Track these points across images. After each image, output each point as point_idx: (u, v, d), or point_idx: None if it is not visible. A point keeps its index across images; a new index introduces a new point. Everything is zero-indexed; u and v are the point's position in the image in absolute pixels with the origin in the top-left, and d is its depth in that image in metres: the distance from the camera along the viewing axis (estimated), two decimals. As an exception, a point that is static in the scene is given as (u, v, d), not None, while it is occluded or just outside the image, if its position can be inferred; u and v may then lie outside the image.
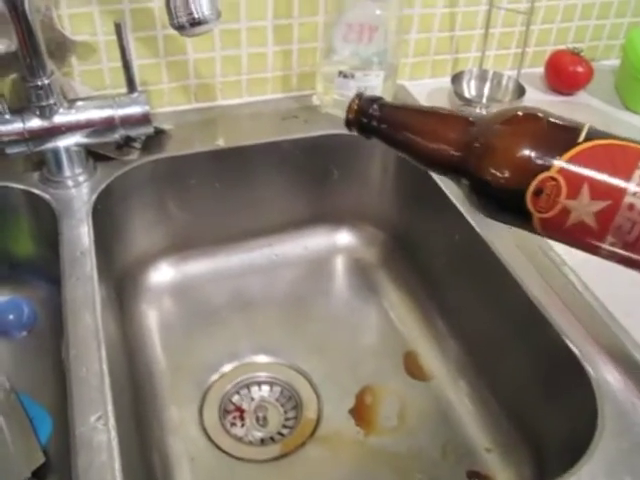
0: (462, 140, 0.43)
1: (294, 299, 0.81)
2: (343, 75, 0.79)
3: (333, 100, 0.81)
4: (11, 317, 0.72)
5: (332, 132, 0.79)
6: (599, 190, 0.37)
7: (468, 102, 0.84)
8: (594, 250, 0.40)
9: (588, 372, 0.53)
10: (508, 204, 0.41)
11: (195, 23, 0.57)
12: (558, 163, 0.38)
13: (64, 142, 0.67)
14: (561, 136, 0.40)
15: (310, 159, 0.80)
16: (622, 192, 0.37)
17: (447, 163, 0.44)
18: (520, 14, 0.88)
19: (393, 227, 0.86)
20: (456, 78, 0.87)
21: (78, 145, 0.68)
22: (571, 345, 0.55)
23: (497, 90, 0.89)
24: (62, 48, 0.72)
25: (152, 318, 0.77)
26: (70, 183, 0.69)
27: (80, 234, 0.63)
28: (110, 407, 0.47)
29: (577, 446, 0.49)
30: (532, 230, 0.42)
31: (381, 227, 0.87)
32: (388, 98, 0.83)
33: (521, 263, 0.62)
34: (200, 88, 0.83)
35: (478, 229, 0.66)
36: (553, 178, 0.38)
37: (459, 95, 0.85)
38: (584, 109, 0.88)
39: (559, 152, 0.39)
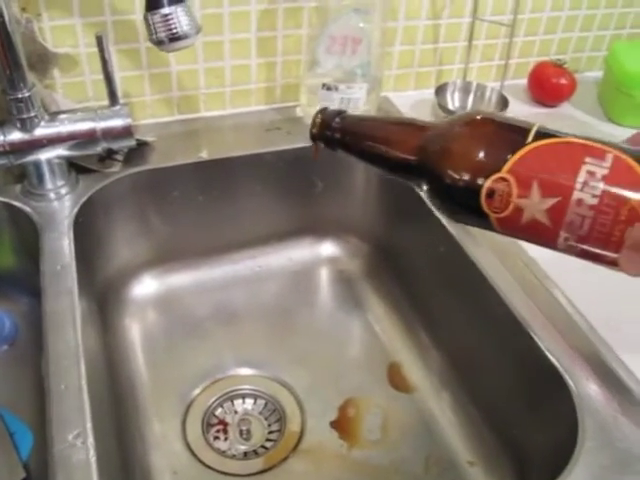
0: (418, 145, 0.45)
1: (278, 311, 0.81)
2: (327, 87, 0.79)
3: (317, 112, 0.81)
4: (-8, 330, 0.71)
5: (316, 144, 0.79)
6: (548, 188, 0.38)
7: (452, 114, 0.84)
8: (551, 245, 0.40)
9: (569, 386, 0.53)
10: (466, 206, 0.42)
11: (174, 38, 0.57)
12: (508, 164, 0.39)
13: (45, 155, 0.66)
14: (510, 137, 0.41)
15: (294, 171, 0.80)
16: (570, 188, 0.37)
17: (407, 168, 0.46)
18: (503, 26, 0.88)
19: (377, 239, 0.86)
20: (440, 90, 0.87)
21: (60, 158, 0.68)
22: (552, 359, 0.55)
23: (481, 102, 0.89)
24: (44, 60, 0.72)
25: (134, 331, 0.76)
26: (52, 196, 0.69)
27: (61, 247, 0.63)
28: (89, 424, 0.47)
29: (559, 460, 0.49)
30: (492, 229, 0.42)
31: (365, 239, 0.87)
32: (372, 110, 0.84)
33: (504, 277, 0.62)
34: (183, 100, 0.83)
35: (461, 242, 0.66)
36: (504, 179, 0.39)
37: (443, 107, 0.85)
38: (567, 120, 0.88)
39: (508, 153, 0.40)
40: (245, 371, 0.74)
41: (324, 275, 0.87)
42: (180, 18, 0.56)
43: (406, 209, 0.77)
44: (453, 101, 0.89)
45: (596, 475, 0.47)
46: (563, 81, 0.91)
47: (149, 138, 0.77)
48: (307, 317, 0.81)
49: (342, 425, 0.69)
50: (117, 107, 0.67)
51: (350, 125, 0.49)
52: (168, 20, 0.56)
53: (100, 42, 0.61)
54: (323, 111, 0.50)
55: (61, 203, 0.69)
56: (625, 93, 0.88)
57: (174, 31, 0.57)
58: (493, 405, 0.66)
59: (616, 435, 0.50)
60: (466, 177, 0.41)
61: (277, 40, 0.82)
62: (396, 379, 0.74)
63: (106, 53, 0.62)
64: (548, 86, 0.92)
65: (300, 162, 0.80)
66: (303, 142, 0.80)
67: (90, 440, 0.46)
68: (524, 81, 0.95)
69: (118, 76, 0.75)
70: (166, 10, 0.56)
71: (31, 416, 0.63)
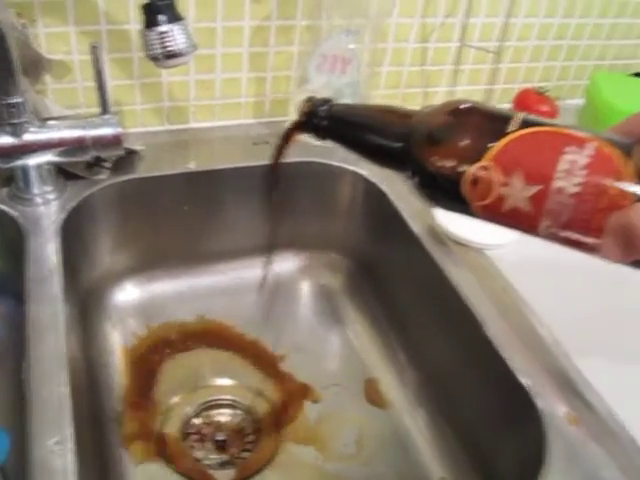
0: (403, 132, 0.45)
1: (258, 323, 0.81)
2: (316, 104, 0.80)
3: (305, 128, 0.83)
4: (-27, 333, 0.71)
5: (301, 159, 0.81)
6: (530, 176, 0.38)
7: (436, 135, 0.86)
8: (532, 233, 0.41)
9: (539, 407, 0.54)
10: (449, 193, 0.42)
11: (170, 56, 0.58)
12: (491, 152, 0.40)
13: (34, 160, 0.67)
14: (494, 126, 0.41)
15: (279, 185, 0.81)
16: (551, 177, 0.38)
17: (392, 156, 0.46)
18: (489, 53, 0.90)
19: (359, 255, 0.87)
20: (426, 111, 0.89)
21: (49, 164, 0.68)
22: (524, 380, 0.56)
23: (465, 125, 0.91)
24: (37, 66, 0.72)
25: (116, 338, 0.77)
26: (39, 200, 0.69)
27: (47, 252, 0.63)
28: (69, 430, 0.47)
29: (527, 478, 0.51)
30: (474, 216, 0.43)
31: (347, 254, 0.88)
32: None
33: (481, 300, 0.64)
34: (173, 110, 0.84)
35: (440, 263, 0.68)
36: (486, 167, 0.40)
37: (428, 128, 0.87)
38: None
39: (492, 141, 0.40)
40: (224, 381, 0.75)
41: (305, 289, 0.88)
42: (177, 36, 0.57)
43: (388, 228, 0.79)
44: (438, 123, 0.91)
45: (562, 496, 0.48)
46: (545, 108, 0.93)
47: (138, 147, 0.78)
48: (287, 330, 0.82)
49: (318, 438, 0.70)
50: (108, 116, 0.67)
51: (337, 113, 0.49)
52: (164, 38, 0.57)
53: (95, 52, 0.62)
54: (310, 99, 0.50)
55: (48, 208, 0.69)
56: (603, 122, 0.90)
57: (170, 49, 0.58)
58: (466, 423, 0.67)
59: (583, 456, 0.51)
60: (450, 164, 0.41)
61: (269, 56, 0.83)
62: (373, 395, 0.75)
63: (100, 63, 0.63)
64: (530, 113, 0.94)
65: (286, 177, 0.81)
66: (290, 157, 0.80)
67: (70, 446, 0.46)
68: (509, 106, 0.98)
69: (110, 84, 0.76)
70: (163, 28, 0.57)
71: (8, 419, 0.63)
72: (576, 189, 0.37)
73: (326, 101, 0.49)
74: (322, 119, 0.49)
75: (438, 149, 0.42)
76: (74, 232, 0.70)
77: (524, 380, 0.56)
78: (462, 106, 0.44)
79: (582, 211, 0.37)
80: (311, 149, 0.82)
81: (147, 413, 0.70)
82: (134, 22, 0.75)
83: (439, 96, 0.96)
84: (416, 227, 0.73)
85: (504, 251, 0.70)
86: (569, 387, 0.56)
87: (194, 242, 0.82)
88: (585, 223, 0.38)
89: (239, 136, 0.85)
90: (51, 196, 0.70)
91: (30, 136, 0.65)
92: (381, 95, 0.92)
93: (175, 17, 0.60)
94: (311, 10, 0.80)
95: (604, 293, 0.67)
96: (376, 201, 0.79)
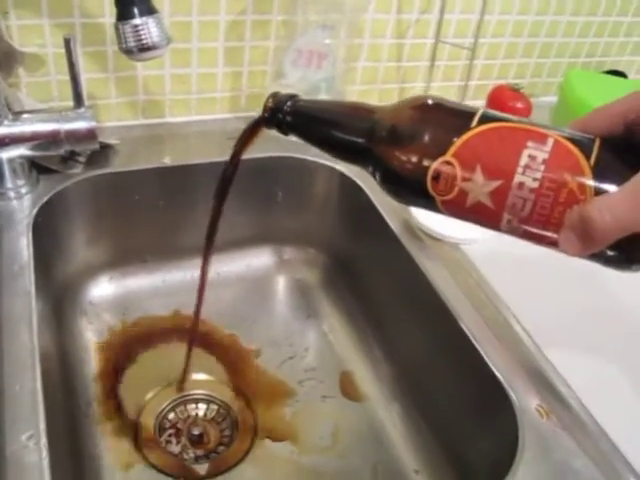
0: (366, 127, 0.45)
1: (234, 318, 0.81)
2: (291, 99, 0.80)
3: (281, 123, 0.83)
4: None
5: (278, 154, 0.81)
6: (491, 171, 0.39)
7: (412, 131, 0.86)
8: (494, 227, 0.41)
9: (512, 400, 0.55)
10: (413, 189, 0.43)
11: (144, 49, 0.58)
12: (452, 147, 0.40)
13: (7, 154, 0.66)
14: (456, 122, 0.41)
15: (255, 180, 0.81)
16: (512, 172, 0.38)
17: (356, 151, 0.46)
18: (464, 49, 0.91)
19: (335, 251, 0.87)
20: (401, 107, 0.90)
21: (21, 157, 0.67)
22: (497, 373, 0.57)
23: (440, 121, 0.91)
24: (9, 59, 0.71)
25: (91, 333, 0.76)
26: (12, 195, 0.69)
27: (20, 247, 0.63)
28: (42, 426, 0.47)
29: (500, 470, 0.51)
30: (438, 211, 0.43)
31: (324, 250, 0.88)
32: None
33: (455, 294, 0.65)
34: (148, 104, 0.83)
35: (416, 258, 0.68)
36: (448, 162, 0.40)
37: (403, 124, 0.87)
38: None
39: (454, 137, 0.40)
40: (199, 376, 0.74)
41: (281, 284, 0.88)
42: (151, 29, 0.57)
43: (364, 223, 0.79)
44: (414, 118, 0.91)
45: (534, 485, 0.49)
46: (519, 105, 0.94)
47: (112, 141, 0.77)
48: (263, 324, 0.82)
49: (293, 432, 0.70)
50: (82, 109, 0.67)
51: (301, 108, 0.49)
52: (138, 31, 0.57)
53: (68, 45, 0.61)
54: (275, 95, 0.50)
55: (20, 202, 0.68)
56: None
57: (144, 42, 0.57)
58: (440, 416, 0.68)
59: (554, 447, 0.52)
60: (412, 160, 0.41)
61: (244, 50, 0.83)
62: (348, 388, 0.76)
63: (73, 56, 0.62)
64: (504, 109, 0.95)
65: (262, 171, 0.81)
66: (265, 152, 0.81)
67: (43, 441, 0.46)
68: (483, 102, 0.98)
69: (84, 78, 0.75)
70: (137, 21, 0.56)
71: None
72: (536, 184, 0.38)
73: (291, 97, 0.49)
74: (286, 114, 0.49)
75: (401, 144, 0.42)
76: (47, 227, 0.69)
77: (497, 373, 0.57)
78: (425, 101, 0.44)
79: (542, 205, 0.38)
80: (287, 144, 0.82)
81: (121, 408, 0.69)
82: (109, 15, 0.74)
83: (415, 92, 0.96)
84: (392, 222, 0.73)
85: (478, 246, 0.71)
86: (541, 380, 0.57)
87: (169, 237, 0.82)
88: (545, 217, 0.38)
89: (215, 131, 0.85)
90: (24, 190, 0.69)
91: (3, 130, 0.64)
92: (357, 91, 0.93)
93: (149, 10, 0.59)
94: (287, 5, 0.80)
95: (576, 287, 0.68)
96: (352, 196, 0.80)
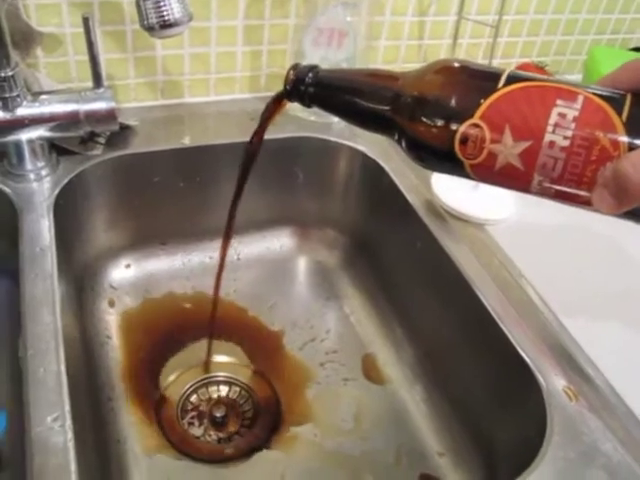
0: (390, 94, 0.44)
1: (255, 300, 0.81)
2: (312, 78, 0.79)
3: (301, 103, 0.82)
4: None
5: (299, 135, 0.80)
6: (520, 132, 0.38)
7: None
8: (525, 189, 0.41)
9: (539, 381, 0.54)
10: (440, 154, 0.42)
11: (166, 25, 0.57)
12: (480, 109, 0.39)
13: (27, 135, 0.66)
14: (482, 83, 0.41)
15: (276, 161, 0.80)
16: (542, 131, 0.38)
17: (381, 120, 0.45)
18: (488, 26, 0.89)
19: (356, 232, 0.86)
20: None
21: (41, 139, 0.67)
22: (523, 354, 0.56)
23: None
24: (27, 39, 0.71)
25: (112, 316, 0.76)
26: (32, 177, 0.68)
27: (41, 229, 0.63)
28: (67, 408, 0.47)
29: (526, 453, 0.51)
30: (467, 177, 0.43)
31: (344, 231, 0.87)
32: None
33: (480, 274, 0.64)
34: (167, 85, 0.82)
35: (439, 239, 0.67)
36: (476, 125, 0.39)
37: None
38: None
39: (480, 98, 0.40)
40: (221, 358, 0.74)
41: (302, 265, 0.87)
42: (172, 5, 0.56)
43: (386, 204, 0.78)
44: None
45: (562, 468, 0.48)
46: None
47: (132, 122, 0.77)
48: (284, 306, 0.81)
49: (316, 415, 0.70)
50: (101, 90, 0.66)
51: (323, 79, 0.48)
52: (160, 7, 0.56)
53: (87, 23, 0.61)
54: (295, 67, 0.49)
55: (41, 184, 0.68)
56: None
57: (166, 18, 0.56)
58: (464, 398, 0.67)
59: (582, 430, 0.51)
60: (439, 124, 0.41)
61: (264, 29, 0.82)
62: (370, 370, 0.75)
63: (92, 35, 0.62)
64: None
65: (283, 153, 0.80)
66: (286, 132, 0.80)
67: (68, 423, 0.46)
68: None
69: (102, 58, 0.74)
70: (159, -3, 0.56)
71: (5, 396, 0.62)
72: (567, 142, 0.37)
73: (312, 68, 0.48)
74: (308, 86, 0.48)
75: (427, 110, 0.42)
76: (68, 209, 0.69)
77: (524, 354, 0.56)
78: (450, 64, 0.43)
79: (574, 164, 0.37)
80: (308, 124, 0.82)
81: (144, 391, 0.69)
82: (127, -6, 0.73)
83: (436, 71, 0.94)
84: (414, 202, 0.72)
85: (503, 226, 0.70)
86: (568, 361, 0.56)
87: (189, 218, 0.82)
88: (577, 176, 0.38)
89: (234, 111, 0.84)
90: (44, 172, 0.69)
91: (22, 111, 0.64)
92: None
93: (170, -14, 0.58)
94: (307, -18, 0.79)
95: (602, 267, 0.67)
96: (374, 176, 0.79)
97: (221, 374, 0.73)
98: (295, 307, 0.82)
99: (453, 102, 0.41)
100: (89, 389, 0.65)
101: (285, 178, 0.83)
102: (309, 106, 0.49)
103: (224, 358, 0.75)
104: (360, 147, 0.80)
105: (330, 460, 0.67)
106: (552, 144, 0.37)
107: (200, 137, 0.78)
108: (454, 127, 0.40)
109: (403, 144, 0.44)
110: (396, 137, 0.45)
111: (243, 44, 0.82)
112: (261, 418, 0.69)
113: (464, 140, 0.40)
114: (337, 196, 0.85)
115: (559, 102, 0.38)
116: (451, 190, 0.71)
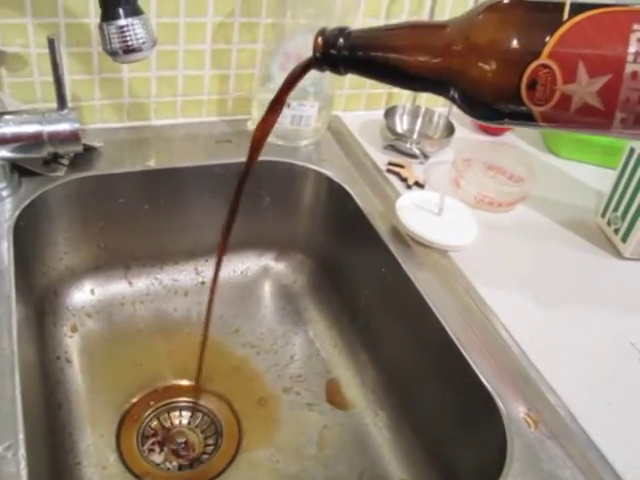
0: (440, 44, 0.40)
1: (220, 324, 0.80)
2: (279, 103, 0.79)
3: (268, 127, 0.82)
4: None
5: (265, 158, 0.80)
6: (597, 66, 0.34)
7: (399, 136, 0.86)
8: (605, 130, 0.37)
9: (500, 408, 0.55)
10: (504, 104, 0.38)
11: (129, 50, 0.57)
12: (547, 47, 0.35)
13: (-12, 156, 0.65)
14: (544, 17, 0.37)
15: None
16: (622, 62, 0.34)
17: (432, 75, 0.41)
18: None
19: (322, 255, 0.87)
20: (389, 112, 0.89)
21: (3, 159, 0.66)
22: (485, 382, 0.56)
23: (428, 126, 0.91)
24: (-9, 58, 0.70)
25: (73, 339, 0.75)
26: (-8, 197, 0.67)
27: (0, 251, 0.62)
28: (21, 436, 0.46)
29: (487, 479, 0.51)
30: (536, 126, 0.38)
31: (310, 255, 0.88)
32: (322, 128, 0.85)
33: (442, 301, 0.64)
34: (134, 107, 0.82)
35: (403, 264, 0.68)
36: (545, 65, 0.35)
37: (391, 129, 0.87)
38: (509, 150, 0.91)
39: (546, 35, 0.35)
40: (183, 383, 0.73)
41: (267, 289, 0.87)
42: (136, 31, 0.56)
43: (352, 228, 0.78)
44: (402, 124, 0.91)
45: (522, 496, 0.49)
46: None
47: (97, 143, 0.76)
48: (249, 330, 0.81)
49: (278, 439, 0.69)
50: (65, 111, 0.66)
51: (358, 39, 0.43)
52: (124, 32, 0.56)
53: (52, 45, 0.60)
54: (323, 32, 0.44)
55: (2, 205, 0.67)
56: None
57: (129, 43, 0.56)
58: (427, 424, 0.67)
59: (542, 457, 0.51)
60: (501, 70, 0.37)
61: (232, 53, 0.82)
62: (334, 396, 0.75)
63: (57, 56, 0.61)
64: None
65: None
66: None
67: (22, 452, 0.45)
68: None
69: (68, 79, 0.74)
70: (122, 22, 0.55)
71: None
72: None
73: (341, 30, 0.44)
74: (341, 49, 0.43)
75: (484, 55, 0.38)
76: (29, 230, 0.68)
77: (485, 381, 0.56)
78: (502, 1, 0.39)
79: None
80: (274, 148, 0.82)
81: (103, 416, 0.68)
82: (94, 16, 0.73)
83: (402, 97, 0.96)
84: (379, 227, 0.72)
85: (466, 252, 0.71)
86: (529, 388, 0.57)
87: (154, 241, 0.81)
88: None
89: (201, 134, 0.84)
90: (5, 193, 0.68)
91: (-16, 130, 0.63)
92: (346, 95, 0.92)
93: (135, 11, 0.58)
94: (275, 8, 0.79)
95: (566, 296, 0.67)
96: (340, 201, 0.79)
97: (182, 399, 0.72)
98: (260, 330, 0.82)
99: (514, 43, 0.36)
100: (45, 414, 0.63)
101: (251, 202, 0.83)
102: (343, 73, 0.45)
103: (187, 383, 0.74)
104: (326, 171, 0.80)
105: (293, 486, 0.66)
106: (635, 75, 0.34)
107: (166, 160, 0.78)
108: (519, 71, 0.36)
109: (459, 98, 0.40)
110: (451, 92, 0.40)
111: (211, 68, 0.82)
112: (223, 444, 0.69)
113: (532, 84, 0.36)
114: (303, 220, 0.85)
115: (636, 27, 0.34)
116: (415, 216, 0.72)
